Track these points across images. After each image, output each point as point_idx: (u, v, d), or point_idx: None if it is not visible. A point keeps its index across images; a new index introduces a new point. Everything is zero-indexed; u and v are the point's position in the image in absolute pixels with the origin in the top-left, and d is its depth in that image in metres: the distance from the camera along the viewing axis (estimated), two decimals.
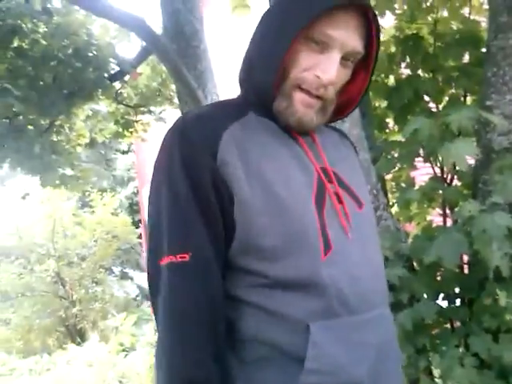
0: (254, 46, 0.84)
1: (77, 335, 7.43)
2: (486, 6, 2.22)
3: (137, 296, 9.71)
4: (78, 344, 6.78)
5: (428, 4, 2.08)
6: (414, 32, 2.07)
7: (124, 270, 10.70)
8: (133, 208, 14.04)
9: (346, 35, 0.76)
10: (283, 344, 0.74)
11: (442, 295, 1.85)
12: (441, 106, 2.12)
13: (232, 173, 0.76)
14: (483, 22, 2.18)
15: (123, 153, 15.39)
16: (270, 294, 0.75)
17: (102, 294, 8.00)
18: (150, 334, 6.11)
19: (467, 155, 1.58)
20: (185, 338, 0.73)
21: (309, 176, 0.80)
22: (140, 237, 11.30)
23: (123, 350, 6.03)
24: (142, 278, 9.66)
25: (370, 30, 0.81)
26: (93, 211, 8.59)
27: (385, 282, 0.86)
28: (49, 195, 7.63)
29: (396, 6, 2.09)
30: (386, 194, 2.09)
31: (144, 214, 11.42)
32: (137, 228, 11.13)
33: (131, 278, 10.59)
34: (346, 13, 0.76)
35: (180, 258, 0.74)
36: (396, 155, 1.96)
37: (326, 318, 0.74)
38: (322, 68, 0.77)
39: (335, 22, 0.75)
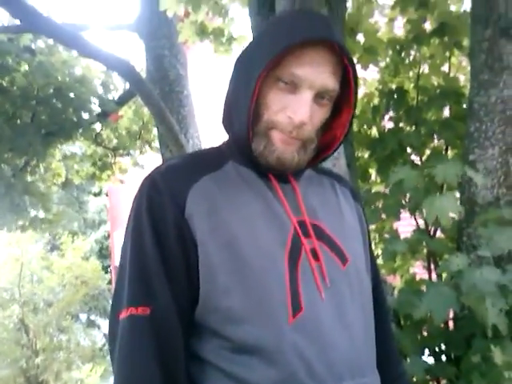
0: (228, 93, 0.84)
1: None
2: (464, 64, 2.31)
3: (103, 345, 9.28)
4: None
5: (411, 59, 2.14)
6: (399, 86, 2.12)
7: (91, 318, 10.29)
8: (102, 252, 13.71)
9: (313, 73, 0.73)
10: None
11: (427, 351, 1.80)
12: (423, 159, 2.14)
13: (197, 227, 0.73)
14: (462, 79, 2.26)
15: (95, 195, 15.18)
16: (235, 359, 0.71)
17: (67, 343, 7.61)
18: None
19: (450, 211, 1.57)
20: None
21: (283, 231, 0.76)
22: (109, 282, 10.95)
23: None
24: None
25: (345, 65, 0.77)
26: (63, 254, 8.32)
27: (370, 348, 0.80)
28: (17, 237, 7.37)
29: (379, 58, 2.15)
30: None
31: (114, 260, 11.15)
32: (106, 273, 10.82)
33: (98, 326, 10.17)
34: (313, 50, 0.73)
35: (141, 311, 0.71)
36: (380, 206, 1.95)
37: None
38: (293, 109, 0.74)
39: (301, 60, 0.73)
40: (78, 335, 8.05)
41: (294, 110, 0.74)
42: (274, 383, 0.69)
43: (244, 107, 0.76)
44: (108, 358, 7.94)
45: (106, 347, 8.95)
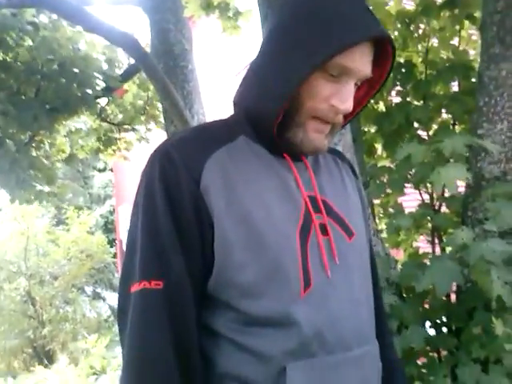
0: (257, 72, 0.80)
1: (45, 357, 7.15)
2: (474, 38, 2.28)
3: (109, 317, 9.45)
4: (46, 366, 6.52)
5: (420, 32, 2.11)
6: (407, 59, 2.09)
7: (96, 290, 10.46)
8: (108, 227, 13.83)
9: (362, 66, 0.75)
10: (259, 383, 0.72)
11: (429, 323, 1.83)
12: (430, 134, 2.13)
13: (214, 202, 0.72)
14: (471, 53, 2.23)
15: (100, 171, 15.23)
16: (248, 332, 0.72)
17: (73, 315, 7.77)
18: (121, 356, 5.91)
19: (458, 179, 1.57)
20: (150, 374, 0.69)
21: (296, 207, 0.77)
22: (114, 256, 11.09)
23: (93, 374, 5.82)
24: (114, 299, 9.44)
25: (381, 53, 0.79)
26: (68, 229, 8.40)
27: (371, 317, 0.84)
28: (23, 211, 7.43)
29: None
30: (374, 219, 2.08)
31: (119, 233, 11.26)
32: (111, 247, 10.95)
33: (103, 299, 10.34)
34: (365, 44, 0.74)
35: (155, 284, 0.70)
36: (385, 180, 1.96)
37: (302, 358, 0.71)
38: (340, 98, 0.75)
39: (354, 55, 0.73)
40: (84, 307, 8.20)
41: (340, 99, 0.75)
42: (287, 353, 0.71)
43: (281, 94, 0.73)
44: (113, 328, 8.11)
45: (111, 319, 9.13)
